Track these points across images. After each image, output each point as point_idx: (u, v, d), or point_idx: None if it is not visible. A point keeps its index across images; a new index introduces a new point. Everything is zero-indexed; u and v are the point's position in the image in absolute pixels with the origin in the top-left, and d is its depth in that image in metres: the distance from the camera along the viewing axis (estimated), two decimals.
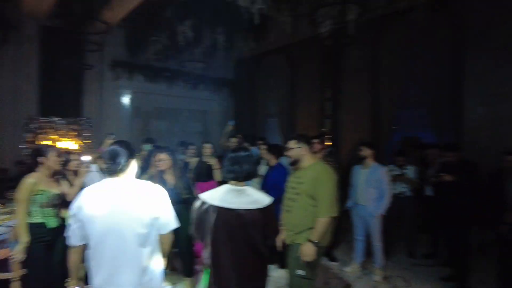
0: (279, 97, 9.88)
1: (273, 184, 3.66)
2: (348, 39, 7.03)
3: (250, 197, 1.94)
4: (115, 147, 1.80)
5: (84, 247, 1.80)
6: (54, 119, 6.57)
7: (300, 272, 2.47)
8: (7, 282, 3.06)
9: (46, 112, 6.61)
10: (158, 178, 3.19)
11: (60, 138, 6.49)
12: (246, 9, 5.95)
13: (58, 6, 6.36)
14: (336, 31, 6.50)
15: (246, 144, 5.07)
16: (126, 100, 8.21)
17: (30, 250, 2.70)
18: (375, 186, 3.85)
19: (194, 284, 3.42)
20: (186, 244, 3.28)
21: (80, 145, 6.78)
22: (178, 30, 7.12)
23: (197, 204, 1.92)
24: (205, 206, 1.88)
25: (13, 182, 4.93)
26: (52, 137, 6.39)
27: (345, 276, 3.93)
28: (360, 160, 4.07)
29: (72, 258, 1.85)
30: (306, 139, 2.75)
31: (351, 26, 5.95)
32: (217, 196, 1.91)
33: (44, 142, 6.24)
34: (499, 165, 5.03)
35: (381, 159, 4.62)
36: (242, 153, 2.01)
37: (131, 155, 1.82)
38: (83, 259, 1.86)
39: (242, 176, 1.98)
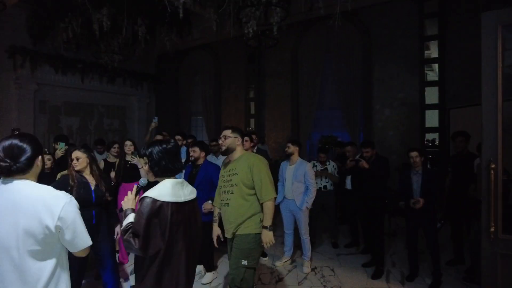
0: (204, 95, 9.76)
1: (210, 180, 3.61)
2: (272, 41, 7.29)
3: (189, 187, 1.92)
4: (16, 140, 1.40)
5: None
6: None
7: (244, 262, 2.51)
8: None
9: None
10: (77, 179, 2.83)
11: None
12: (169, 2, 5.72)
13: None
14: (260, 33, 6.68)
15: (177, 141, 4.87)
16: (29, 93, 7.19)
17: None
18: (301, 181, 4.06)
19: None
20: (110, 251, 3.00)
21: None
22: (93, 18, 6.49)
23: (146, 204, 1.69)
24: (157, 205, 1.69)
25: None
26: None
27: (276, 271, 4.05)
28: (287, 157, 4.25)
29: None
30: (240, 131, 2.78)
31: (274, 28, 6.16)
32: (166, 191, 1.75)
33: None
34: (405, 160, 5.80)
35: (302, 156, 4.89)
36: (169, 146, 1.88)
37: (36, 152, 1.44)
38: None
39: (177, 169, 1.88)
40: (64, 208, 1.40)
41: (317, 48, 8.12)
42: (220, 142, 2.77)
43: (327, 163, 4.87)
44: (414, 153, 3.64)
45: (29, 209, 1.35)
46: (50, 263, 1.42)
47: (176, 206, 1.76)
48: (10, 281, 1.35)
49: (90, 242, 1.54)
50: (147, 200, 1.69)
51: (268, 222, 2.55)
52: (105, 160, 4.40)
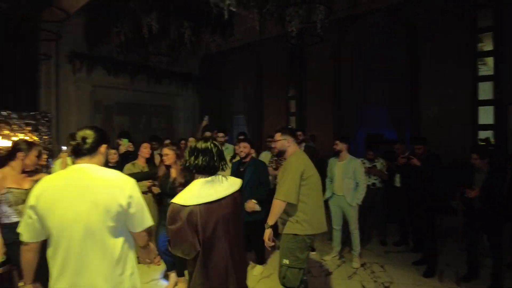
0: (246, 94, 9.93)
1: (258, 178, 3.69)
2: (316, 38, 7.28)
3: (226, 182, 1.85)
4: (86, 129, 1.67)
5: (41, 244, 1.57)
6: (6, 112, 6.02)
7: (285, 261, 2.57)
8: None
9: None
10: (165, 172, 3.26)
11: (15, 134, 5.95)
12: (215, 4, 5.92)
13: None
14: (303, 31, 6.69)
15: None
16: (85, 94, 7.75)
17: (13, 250, 2.48)
18: (351, 177, 4.05)
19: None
20: None
21: (36, 141, 6.29)
22: (143, 22, 6.85)
23: (170, 210, 1.68)
24: (184, 210, 1.65)
25: None
26: (5, 132, 5.85)
27: (325, 265, 4.08)
28: (336, 154, 4.26)
29: (25, 258, 1.59)
30: (290, 131, 2.83)
31: (318, 26, 6.17)
32: (193, 194, 1.72)
33: None
34: (454, 158, 5.58)
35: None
36: (201, 145, 1.83)
37: (101, 139, 1.67)
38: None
39: (210, 168, 1.80)
40: (133, 188, 1.63)
41: (360, 44, 7.98)
42: (273, 145, 2.89)
43: (376, 160, 4.81)
44: (474, 155, 3.49)
45: (105, 188, 1.55)
46: (121, 240, 1.60)
47: (208, 206, 1.70)
48: (94, 253, 1.52)
49: (151, 223, 1.72)
50: (172, 206, 1.68)
51: (270, 219, 2.57)
52: (160, 155, 4.67)
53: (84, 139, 1.61)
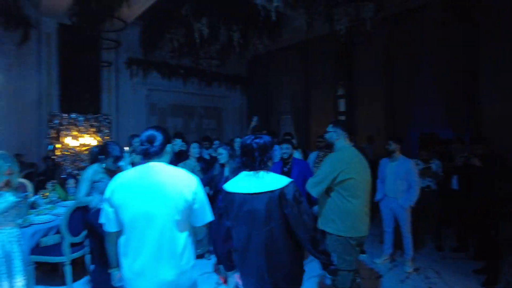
0: (292, 94, 9.94)
1: (304, 177, 3.70)
2: (364, 36, 7.09)
3: (264, 180, 1.86)
4: (152, 131, 1.76)
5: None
6: (75, 115, 6.65)
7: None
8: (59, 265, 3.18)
9: (66, 109, 6.67)
10: (218, 170, 3.52)
11: (82, 134, 6.56)
12: (263, 7, 5.99)
13: (76, 4, 6.38)
14: (352, 29, 6.55)
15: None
16: (142, 97, 8.28)
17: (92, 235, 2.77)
18: (404, 179, 3.90)
19: None
20: None
21: (99, 141, 6.86)
22: (194, 28, 7.15)
23: (223, 193, 1.97)
24: (225, 193, 1.93)
25: (44, 175, 5.03)
26: (73, 133, 6.47)
27: (376, 267, 3.98)
28: (388, 154, 4.13)
29: (109, 246, 1.79)
30: (342, 124, 2.72)
31: (367, 23, 6.02)
32: (234, 183, 1.92)
33: (67, 138, 6.35)
34: None
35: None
36: (245, 141, 1.96)
37: (167, 140, 1.77)
38: None
39: (252, 165, 1.90)
40: (198, 185, 1.74)
41: (413, 41, 7.62)
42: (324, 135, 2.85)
43: (431, 161, 4.59)
44: None
45: (173, 185, 1.67)
46: (186, 233, 1.72)
47: (244, 196, 1.86)
48: (163, 244, 1.64)
49: (212, 218, 1.82)
50: (223, 189, 1.99)
51: None
52: (210, 155, 4.88)
53: (151, 142, 1.71)
